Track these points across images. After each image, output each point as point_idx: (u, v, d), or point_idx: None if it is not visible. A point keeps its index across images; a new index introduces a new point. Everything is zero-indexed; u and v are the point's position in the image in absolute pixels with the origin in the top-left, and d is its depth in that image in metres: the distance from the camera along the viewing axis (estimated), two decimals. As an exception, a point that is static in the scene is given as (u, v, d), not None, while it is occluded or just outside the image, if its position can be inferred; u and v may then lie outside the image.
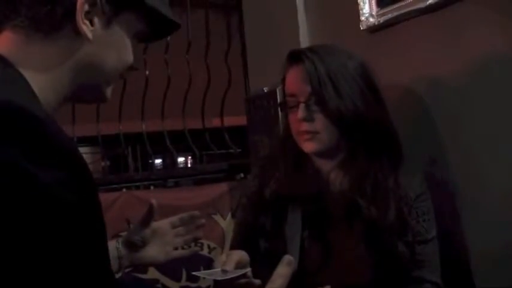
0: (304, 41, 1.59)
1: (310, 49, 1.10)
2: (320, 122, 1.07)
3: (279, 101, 1.55)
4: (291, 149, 1.13)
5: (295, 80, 1.09)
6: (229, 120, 2.21)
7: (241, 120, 1.86)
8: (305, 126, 1.07)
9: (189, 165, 3.53)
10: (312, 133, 1.07)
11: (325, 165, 1.13)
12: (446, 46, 1.22)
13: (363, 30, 1.41)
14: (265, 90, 1.64)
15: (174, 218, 1.05)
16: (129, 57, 0.70)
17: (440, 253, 1.12)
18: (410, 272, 1.07)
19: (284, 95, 1.13)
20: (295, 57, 1.09)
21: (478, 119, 1.18)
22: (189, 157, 3.58)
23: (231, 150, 2.16)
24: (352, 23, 1.43)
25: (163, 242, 1.03)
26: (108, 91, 0.70)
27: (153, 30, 0.72)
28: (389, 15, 1.34)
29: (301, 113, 1.06)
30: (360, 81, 1.07)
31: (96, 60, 0.66)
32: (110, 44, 0.67)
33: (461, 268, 1.20)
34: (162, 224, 1.04)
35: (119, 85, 2.03)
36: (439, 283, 1.10)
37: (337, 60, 1.07)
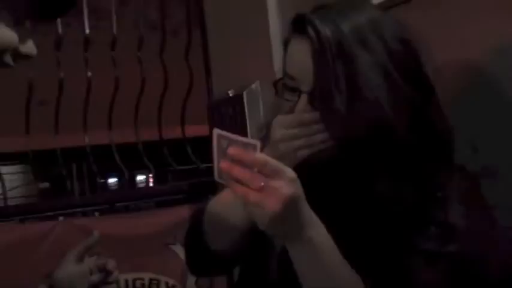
0: (275, 33, 1.42)
1: (321, 8, 0.79)
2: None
3: (246, 107, 1.40)
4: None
5: (296, 57, 0.79)
6: (191, 130, 2.07)
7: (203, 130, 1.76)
8: None
9: (151, 185, 3.25)
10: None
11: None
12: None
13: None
14: (230, 95, 1.53)
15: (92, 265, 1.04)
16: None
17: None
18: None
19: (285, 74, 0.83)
20: (299, 22, 0.78)
21: None
22: (150, 175, 3.31)
23: (194, 166, 2.00)
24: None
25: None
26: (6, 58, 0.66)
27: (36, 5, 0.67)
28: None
29: (300, 105, 0.77)
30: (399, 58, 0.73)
31: None
32: None
33: None
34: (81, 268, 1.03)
35: (55, 90, 1.90)
36: None
37: (359, 18, 0.75)
